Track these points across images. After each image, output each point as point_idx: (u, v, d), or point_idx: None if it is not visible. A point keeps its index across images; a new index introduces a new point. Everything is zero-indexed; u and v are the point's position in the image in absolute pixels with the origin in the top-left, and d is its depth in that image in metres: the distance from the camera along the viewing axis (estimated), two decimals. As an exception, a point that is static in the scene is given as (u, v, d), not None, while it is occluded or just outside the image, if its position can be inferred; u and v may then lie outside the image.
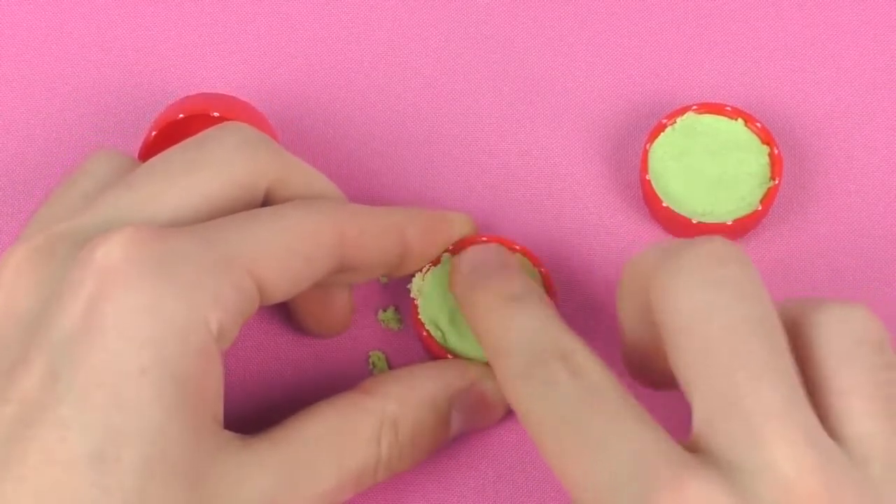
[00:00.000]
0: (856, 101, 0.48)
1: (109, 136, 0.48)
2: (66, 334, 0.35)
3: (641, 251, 0.37)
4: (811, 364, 0.35)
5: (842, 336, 0.35)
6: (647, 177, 0.45)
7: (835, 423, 0.34)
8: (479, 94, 0.49)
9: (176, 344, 0.35)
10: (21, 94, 0.49)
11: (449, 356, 0.43)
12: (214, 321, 0.36)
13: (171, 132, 0.44)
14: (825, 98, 0.48)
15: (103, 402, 0.34)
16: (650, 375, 0.40)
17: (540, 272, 0.44)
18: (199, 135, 0.40)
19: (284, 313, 0.45)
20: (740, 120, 0.46)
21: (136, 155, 0.47)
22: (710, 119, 0.46)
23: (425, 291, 0.43)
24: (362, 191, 0.47)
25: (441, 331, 0.43)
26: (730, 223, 0.44)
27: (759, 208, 0.44)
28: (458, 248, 0.44)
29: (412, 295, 0.43)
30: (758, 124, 0.45)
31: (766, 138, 0.45)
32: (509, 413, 0.43)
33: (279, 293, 0.38)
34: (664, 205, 0.44)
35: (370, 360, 0.45)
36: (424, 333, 0.43)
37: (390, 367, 0.45)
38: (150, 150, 0.44)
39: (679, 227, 0.45)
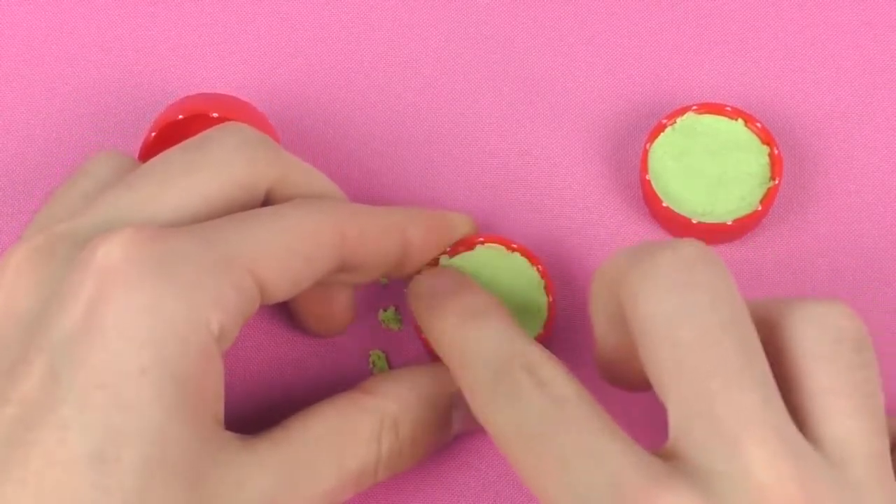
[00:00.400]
0: (856, 101, 0.48)
1: (109, 136, 0.48)
2: (66, 335, 0.35)
3: (610, 257, 0.37)
4: (787, 365, 0.34)
5: (818, 335, 0.34)
6: (647, 177, 0.45)
7: (813, 425, 0.33)
8: (479, 94, 0.49)
9: (176, 344, 0.35)
10: (21, 94, 0.49)
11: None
12: (215, 321, 0.36)
13: (171, 133, 0.44)
14: (825, 98, 0.48)
15: (103, 402, 0.34)
16: (624, 378, 0.39)
17: (538, 270, 0.44)
18: (200, 135, 0.40)
19: (285, 313, 0.45)
20: (740, 120, 0.46)
21: (136, 155, 0.47)
22: (710, 119, 0.46)
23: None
24: (362, 191, 0.47)
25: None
26: (730, 223, 0.44)
27: (759, 208, 0.44)
28: (454, 250, 0.44)
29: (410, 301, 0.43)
30: (758, 124, 0.45)
31: (766, 138, 0.45)
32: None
33: (280, 293, 0.38)
34: (664, 205, 0.44)
35: (370, 360, 0.45)
36: (425, 335, 0.43)
37: (390, 366, 0.45)
38: (149, 150, 0.44)
39: (679, 227, 0.45)
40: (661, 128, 0.46)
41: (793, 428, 0.33)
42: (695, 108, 0.46)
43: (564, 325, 0.45)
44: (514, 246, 0.44)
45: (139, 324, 0.35)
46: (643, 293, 0.34)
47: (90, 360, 0.34)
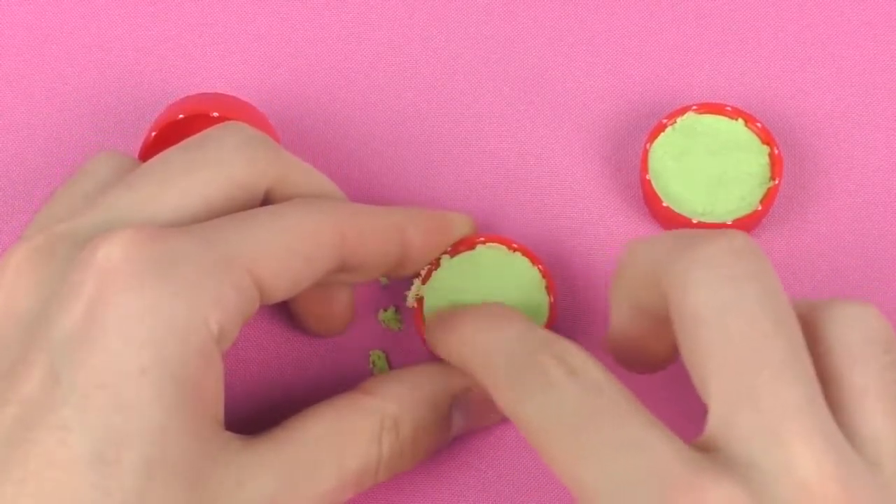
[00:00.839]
0: (856, 101, 0.48)
1: (109, 135, 0.48)
2: (66, 335, 0.35)
3: (644, 239, 0.37)
4: (823, 363, 0.35)
5: (854, 336, 0.35)
6: (647, 177, 0.45)
7: (847, 424, 0.34)
8: (479, 94, 0.49)
9: (176, 344, 0.35)
10: (21, 93, 0.49)
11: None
12: (214, 321, 0.36)
13: (171, 132, 0.44)
14: (825, 98, 0.48)
15: (104, 403, 0.34)
16: (636, 360, 0.39)
17: (539, 270, 0.44)
18: (199, 135, 0.40)
19: (285, 313, 0.45)
20: (740, 120, 0.46)
21: (137, 155, 0.47)
22: (710, 119, 0.46)
23: (429, 294, 0.43)
24: (362, 191, 0.47)
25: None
26: (730, 223, 0.44)
27: (759, 208, 0.44)
28: (455, 250, 0.44)
29: (409, 304, 0.43)
30: (758, 124, 0.45)
31: (766, 138, 0.45)
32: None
33: (279, 293, 0.38)
34: (664, 205, 0.44)
35: (370, 359, 0.45)
36: (426, 335, 0.43)
37: (390, 365, 0.45)
38: (149, 150, 0.44)
39: (679, 227, 0.45)
40: (661, 128, 0.46)
41: (835, 426, 0.33)
42: (695, 108, 0.46)
43: (565, 325, 0.45)
44: (515, 246, 0.44)
45: (139, 324, 0.35)
46: (691, 282, 0.34)
47: (90, 361, 0.34)
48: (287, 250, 0.38)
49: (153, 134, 0.44)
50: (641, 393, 0.44)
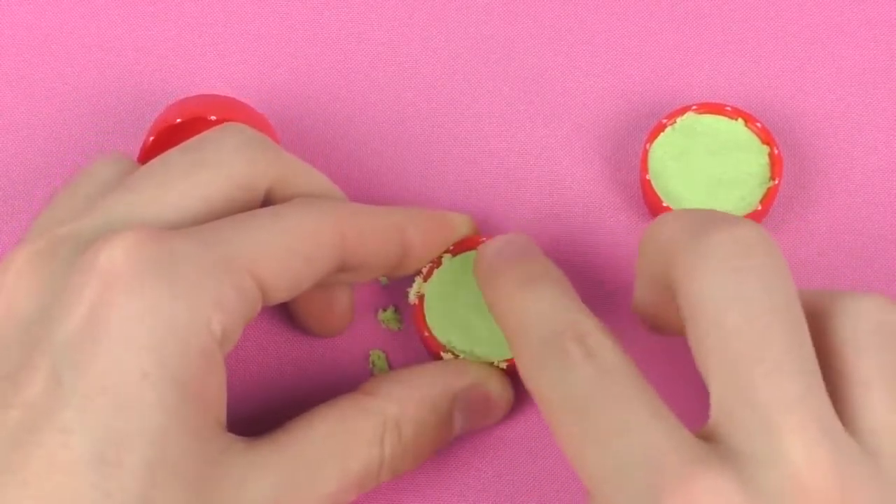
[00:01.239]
0: (856, 101, 0.48)
1: (109, 136, 0.48)
2: (68, 338, 0.35)
3: (665, 217, 0.37)
4: (830, 353, 0.35)
5: (863, 327, 0.35)
6: (647, 177, 0.45)
7: (852, 415, 0.34)
8: (479, 94, 0.49)
9: (177, 347, 0.35)
10: (21, 94, 0.49)
11: (448, 356, 0.43)
12: (217, 323, 0.36)
13: (169, 136, 0.44)
14: (825, 98, 0.48)
15: (105, 405, 0.34)
16: (660, 327, 0.40)
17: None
18: (199, 136, 0.40)
19: (285, 313, 0.45)
20: (740, 120, 0.46)
21: (136, 158, 0.47)
22: (710, 119, 0.46)
23: (430, 292, 0.43)
24: (362, 191, 0.47)
25: (445, 331, 0.43)
26: (730, 223, 0.44)
27: (759, 208, 0.44)
28: (457, 249, 0.44)
29: (411, 300, 0.43)
30: (758, 124, 0.46)
31: (766, 138, 0.45)
32: (510, 412, 0.43)
33: (280, 294, 0.38)
34: (664, 205, 0.44)
35: (370, 359, 0.45)
36: (426, 333, 0.43)
37: (390, 366, 0.45)
38: (148, 154, 0.44)
39: (679, 226, 0.45)
40: (661, 128, 0.46)
41: (833, 417, 0.33)
42: (695, 108, 0.46)
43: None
44: (516, 246, 0.44)
45: (141, 327, 0.35)
46: (697, 272, 0.34)
47: (92, 364, 0.34)
48: (288, 251, 0.38)
49: (151, 138, 0.44)
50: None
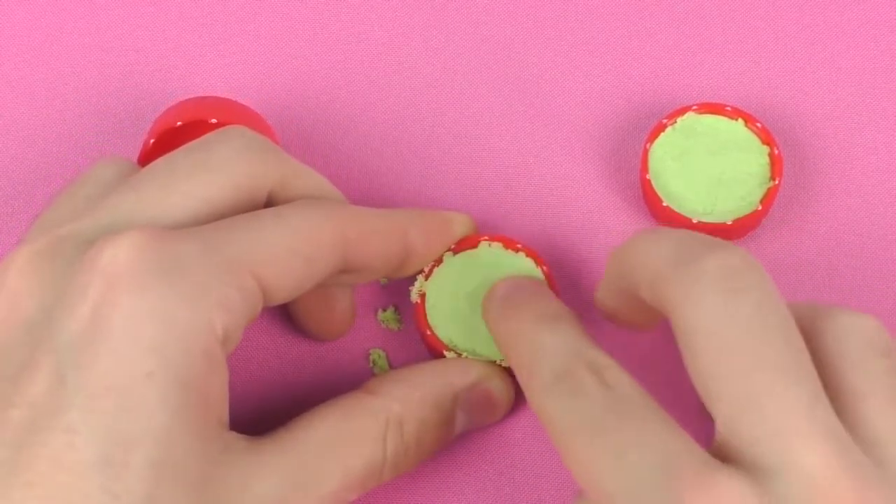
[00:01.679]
0: (856, 101, 0.48)
1: (109, 136, 0.48)
2: (72, 338, 0.35)
3: (648, 237, 0.37)
4: (823, 370, 0.35)
5: (853, 341, 0.35)
6: (648, 176, 0.45)
7: (852, 425, 0.34)
8: (479, 94, 0.49)
9: (181, 347, 0.35)
10: (21, 95, 0.49)
11: (451, 355, 0.43)
12: (219, 324, 0.36)
13: (170, 138, 0.44)
14: (825, 98, 0.48)
15: (110, 405, 0.34)
16: (615, 320, 0.41)
17: (542, 271, 0.44)
18: (202, 138, 0.40)
19: (285, 313, 0.45)
20: (740, 120, 0.46)
21: (136, 159, 0.47)
22: (710, 119, 0.46)
23: (431, 291, 0.43)
24: (362, 191, 0.47)
25: (447, 330, 0.43)
26: (730, 223, 0.44)
27: (759, 208, 0.44)
28: (458, 247, 0.44)
29: (413, 299, 0.43)
30: (758, 124, 0.46)
31: (766, 138, 0.45)
32: (510, 411, 0.43)
33: (282, 295, 0.38)
34: (664, 205, 0.45)
35: (371, 358, 0.45)
36: (428, 332, 0.43)
37: (391, 365, 0.45)
38: (149, 156, 0.44)
39: (679, 227, 0.45)
40: (661, 128, 0.46)
41: (839, 424, 0.33)
42: (695, 108, 0.46)
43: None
44: (519, 246, 0.44)
45: (144, 327, 0.35)
46: (690, 296, 0.34)
47: (96, 364, 0.34)
48: (289, 252, 0.38)
49: (151, 141, 0.44)
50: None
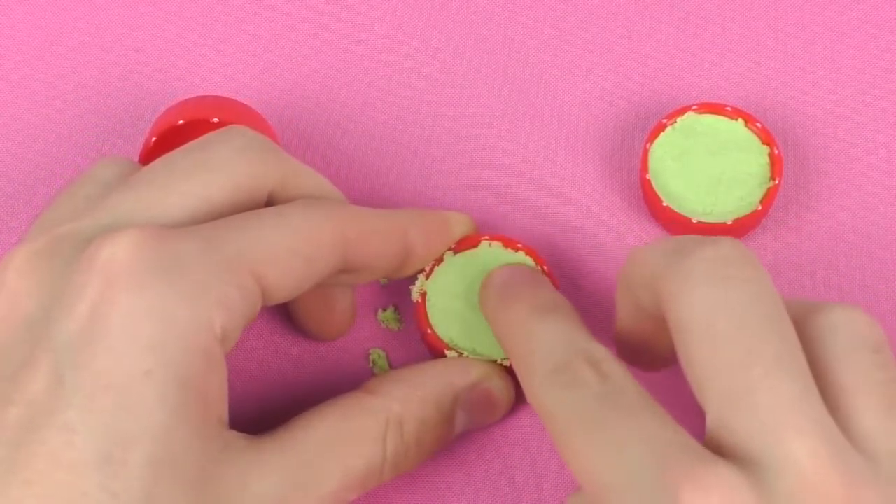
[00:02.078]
0: (856, 101, 0.48)
1: (109, 136, 0.48)
2: (70, 337, 0.35)
3: (646, 246, 0.37)
4: (813, 365, 0.35)
5: (843, 337, 0.35)
6: (647, 176, 0.45)
7: (840, 422, 0.34)
8: (479, 94, 0.49)
9: (180, 346, 0.35)
10: (22, 94, 0.49)
11: (451, 354, 0.43)
12: (218, 323, 0.36)
13: (171, 137, 0.44)
14: (825, 98, 0.48)
15: (109, 404, 0.34)
16: (639, 355, 0.40)
17: (542, 270, 0.44)
18: (202, 138, 0.40)
19: (285, 313, 0.45)
20: (740, 120, 0.46)
21: (136, 158, 0.47)
22: (710, 119, 0.46)
23: (432, 290, 0.43)
24: (363, 191, 0.47)
25: (447, 329, 0.43)
26: (730, 223, 0.44)
27: (759, 208, 0.44)
28: (459, 247, 0.44)
29: (414, 298, 0.43)
30: (758, 124, 0.46)
31: (766, 138, 0.45)
32: (510, 411, 0.43)
33: (281, 294, 0.38)
34: (664, 204, 0.45)
35: (371, 358, 0.45)
36: (428, 331, 0.43)
37: (391, 365, 0.45)
38: (149, 155, 0.44)
39: (679, 226, 0.45)
40: (661, 128, 0.46)
41: (830, 419, 0.33)
42: (695, 107, 0.46)
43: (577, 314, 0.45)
44: (519, 245, 0.44)
45: (143, 325, 0.35)
46: (684, 288, 0.34)
47: (95, 362, 0.34)
48: (289, 251, 0.38)
49: (153, 139, 0.44)
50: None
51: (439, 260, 0.44)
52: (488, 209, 0.47)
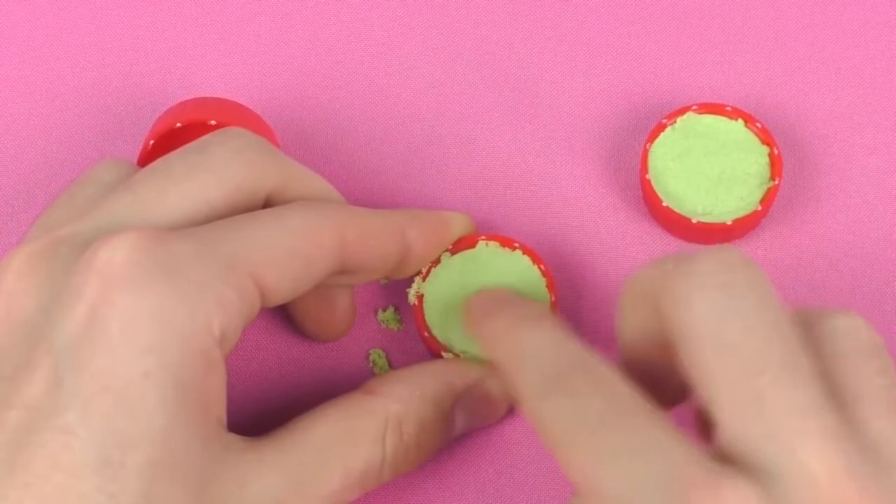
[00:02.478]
0: (856, 101, 0.48)
1: (109, 136, 0.48)
2: (69, 339, 0.35)
3: (642, 269, 0.37)
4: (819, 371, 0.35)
5: (843, 344, 0.35)
6: (647, 176, 0.45)
7: (849, 428, 0.34)
8: (479, 94, 0.49)
9: (179, 348, 0.35)
10: (21, 95, 0.49)
11: (450, 355, 0.43)
12: (217, 324, 0.36)
13: (169, 140, 0.44)
14: (825, 98, 0.48)
15: (107, 406, 0.34)
16: (649, 393, 0.39)
17: (540, 270, 0.44)
18: (200, 140, 0.40)
19: (285, 314, 0.45)
20: (740, 120, 0.46)
21: (135, 160, 0.47)
22: (710, 119, 0.46)
23: (430, 292, 0.43)
24: (362, 191, 0.47)
25: (446, 331, 0.43)
26: (729, 223, 0.44)
27: (759, 208, 0.44)
28: (456, 247, 0.44)
29: (410, 301, 0.43)
30: (758, 124, 0.46)
31: (766, 138, 0.45)
32: (510, 411, 0.43)
33: (280, 295, 0.38)
34: (664, 204, 0.45)
35: (370, 358, 0.45)
36: (426, 334, 0.43)
37: (391, 365, 0.45)
38: (148, 157, 0.44)
39: (679, 226, 0.45)
40: (661, 128, 0.46)
41: (843, 428, 0.33)
42: (695, 108, 0.46)
43: (566, 324, 0.45)
44: (517, 245, 0.44)
45: (142, 327, 0.35)
46: (686, 294, 0.34)
47: (93, 364, 0.34)
48: (288, 252, 0.38)
49: (151, 142, 0.44)
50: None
51: (436, 261, 0.44)
52: (488, 209, 0.47)
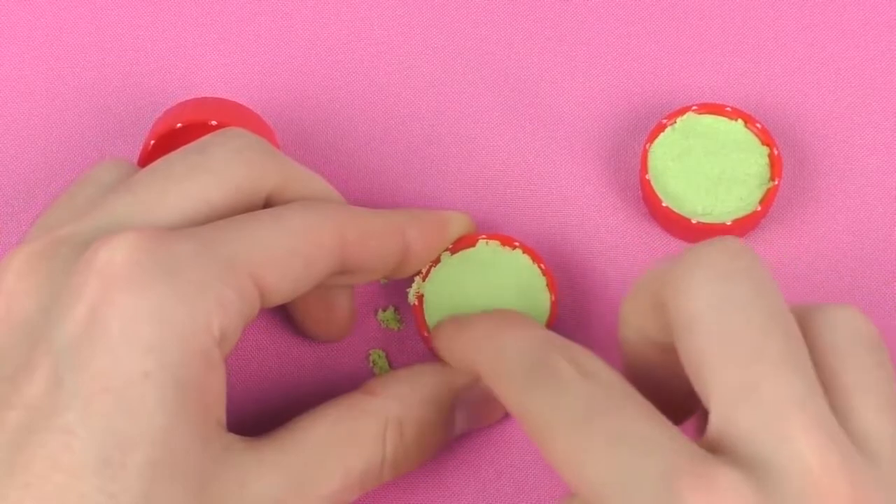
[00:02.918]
0: (856, 101, 0.48)
1: (109, 136, 0.48)
2: (69, 339, 0.35)
3: (644, 273, 0.37)
4: (815, 362, 0.35)
5: (840, 337, 0.35)
6: (647, 176, 0.45)
7: (842, 420, 0.34)
8: (479, 94, 0.49)
9: (178, 348, 0.35)
10: (21, 95, 0.49)
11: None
12: (217, 324, 0.36)
13: (169, 140, 0.44)
14: (825, 98, 0.48)
15: (107, 406, 0.34)
16: (653, 402, 0.39)
17: (540, 269, 0.44)
18: (201, 140, 0.40)
19: (285, 314, 0.45)
20: (740, 120, 0.46)
21: (136, 161, 0.47)
22: (710, 119, 0.46)
23: (430, 292, 0.43)
24: (362, 191, 0.47)
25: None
26: (729, 223, 0.44)
27: (759, 209, 0.44)
28: (456, 247, 0.44)
29: (410, 301, 0.43)
30: (758, 125, 0.46)
31: (766, 139, 0.45)
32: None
33: (280, 296, 0.38)
34: (664, 205, 0.45)
35: (370, 358, 0.45)
36: (426, 334, 0.43)
37: (391, 365, 0.45)
38: (148, 158, 0.44)
39: (679, 227, 0.45)
40: (661, 128, 0.46)
41: (834, 419, 0.33)
42: (695, 108, 0.46)
43: (566, 324, 0.45)
44: (517, 244, 0.44)
45: (142, 327, 0.35)
46: (687, 282, 0.34)
47: (93, 364, 0.34)
48: (288, 252, 0.38)
49: (152, 142, 0.44)
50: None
51: (436, 261, 0.44)
52: (488, 209, 0.47)
